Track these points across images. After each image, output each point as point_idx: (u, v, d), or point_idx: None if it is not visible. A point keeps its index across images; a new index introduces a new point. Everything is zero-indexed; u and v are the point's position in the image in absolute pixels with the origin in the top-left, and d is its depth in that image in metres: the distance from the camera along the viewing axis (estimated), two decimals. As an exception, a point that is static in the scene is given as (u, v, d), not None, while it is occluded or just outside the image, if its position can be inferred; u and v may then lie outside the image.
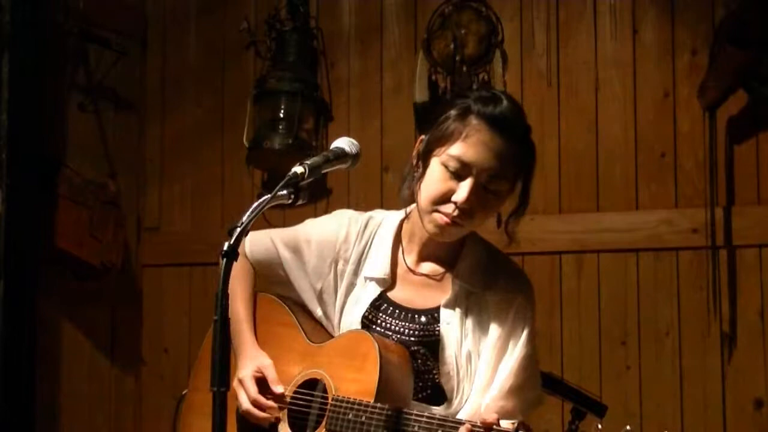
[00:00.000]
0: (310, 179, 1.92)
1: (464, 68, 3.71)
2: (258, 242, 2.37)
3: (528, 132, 2.14)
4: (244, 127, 3.92)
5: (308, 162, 1.93)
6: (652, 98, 3.63)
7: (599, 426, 1.68)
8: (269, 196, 1.86)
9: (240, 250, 2.36)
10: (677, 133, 3.59)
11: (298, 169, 1.91)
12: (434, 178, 2.09)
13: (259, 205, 1.83)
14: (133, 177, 4.16)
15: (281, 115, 3.84)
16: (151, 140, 4.24)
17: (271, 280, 2.38)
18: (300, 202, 1.91)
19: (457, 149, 2.06)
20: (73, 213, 3.72)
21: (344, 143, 2.06)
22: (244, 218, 1.80)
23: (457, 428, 1.93)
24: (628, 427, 1.66)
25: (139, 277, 4.17)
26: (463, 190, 2.06)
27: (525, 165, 2.14)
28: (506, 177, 2.09)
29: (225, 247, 1.75)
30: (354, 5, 4.03)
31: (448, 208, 2.08)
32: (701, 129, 3.54)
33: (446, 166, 2.08)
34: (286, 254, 2.32)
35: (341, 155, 2.04)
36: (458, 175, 2.07)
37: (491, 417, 1.92)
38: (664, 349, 3.52)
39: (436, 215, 2.10)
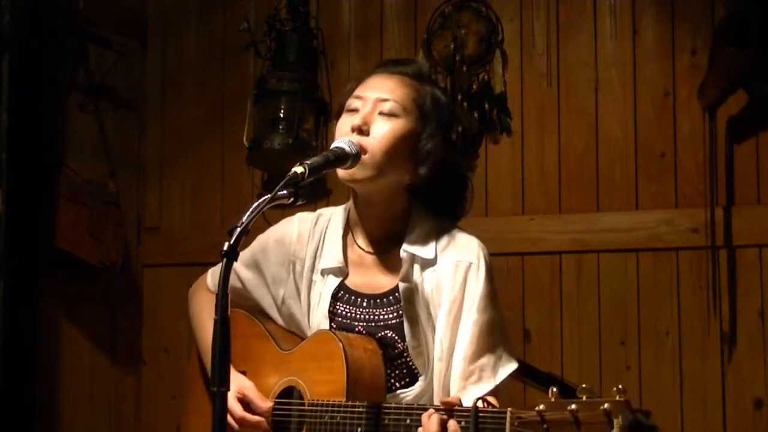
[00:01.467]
0: (310, 179, 1.92)
1: (464, 68, 3.71)
2: (217, 273, 2.38)
3: (428, 78, 2.28)
4: (244, 127, 3.91)
5: (308, 162, 1.94)
6: (652, 98, 3.63)
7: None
8: (269, 196, 1.87)
9: (202, 283, 2.41)
10: (677, 133, 3.59)
11: (298, 169, 1.91)
12: (340, 124, 2.19)
13: (259, 205, 1.84)
14: (133, 177, 4.16)
15: (281, 115, 3.83)
16: (151, 140, 4.23)
17: (238, 302, 2.37)
18: (300, 202, 1.91)
19: (355, 91, 2.20)
20: (73, 213, 3.71)
21: (344, 143, 2.07)
22: (244, 218, 1.80)
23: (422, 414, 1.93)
24: (620, 386, 1.67)
25: (139, 277, 4.17)
26: (358, 113, 2.14)
27: (426, 107, 2.18)
28: (400, 104, 2.14)
29: (225, 247, 1.76)
30: (354, 5, 4.03)
31: (349, 136, 2.12)
32: (701, 129, 3.53)
33: (348, 109, 2.18)
34: (246, 274, 2.34)
35: (341, 155, 2.05)
36: (356, 110, 2.16)
37: (453, 398, 1.93)
38: (664, 349, 3.52)
39: None
